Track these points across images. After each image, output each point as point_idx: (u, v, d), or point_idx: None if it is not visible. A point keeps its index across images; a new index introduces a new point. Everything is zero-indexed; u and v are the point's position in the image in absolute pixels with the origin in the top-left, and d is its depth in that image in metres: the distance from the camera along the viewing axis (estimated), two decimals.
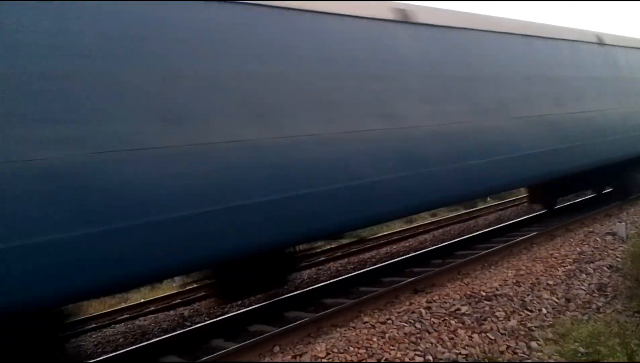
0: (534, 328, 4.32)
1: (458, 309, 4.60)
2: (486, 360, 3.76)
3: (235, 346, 4.40)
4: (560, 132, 7.65)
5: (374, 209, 5.11)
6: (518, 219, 10.25)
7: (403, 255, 8.31)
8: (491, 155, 6.38)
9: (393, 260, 7.81)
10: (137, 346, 5.30)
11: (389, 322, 4.43)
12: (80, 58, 3.42)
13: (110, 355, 5.16)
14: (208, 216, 3.82)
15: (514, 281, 5.30)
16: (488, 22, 7.07)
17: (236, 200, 4.00)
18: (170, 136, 3.73)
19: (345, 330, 4.41)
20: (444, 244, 8.60)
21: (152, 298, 8.57)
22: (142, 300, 8.54)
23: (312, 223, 4.60)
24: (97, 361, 4.98)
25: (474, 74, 6.50)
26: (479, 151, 6.22)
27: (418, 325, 4.29)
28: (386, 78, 5.43)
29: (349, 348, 3.88)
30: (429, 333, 4.16)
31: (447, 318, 4.42)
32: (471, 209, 14.31)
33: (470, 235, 9.11)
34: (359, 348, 3.88)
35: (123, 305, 8.59)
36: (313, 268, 8.85)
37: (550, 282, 5.29)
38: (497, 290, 5.05)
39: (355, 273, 7.32)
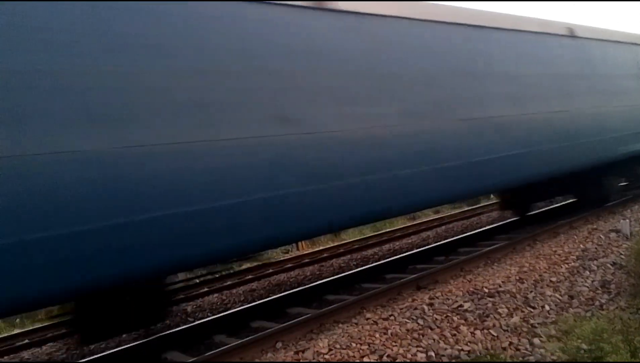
0: (536, 325, 4.31)
1: (461, 306, 4.59)
2: (488, 357, 3.75)
3: (238, 342, 4.41)
4: (518, 136, 6.76)
5: (265, 233, 4.25)
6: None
7: (406, 252, 8.31)
8: (428, 163, 5.51)
9: (396, 257, 7.80)
10: (140, 341, 5.32)
11: (392, 318, 4.43)
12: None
13: (114, 350, 5.18)
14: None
15: (517, 278, 5.29)
16: (429, 11, 6.09)
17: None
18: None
19: (347, 326, 4.42)
20: (446, 241, 8.59)
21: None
22: None
23: (184, 249, 3.79)
24: (95, 358, 5.00)
25: (406, 70, 5.57)
26: (412, 158, 5.37)
27: (420, 321, 4.28)
28: (286, 73, 4.54)
29: (351, 344, 3.89)
30: (431, 329, 4.16)
31: (449, 314, 4.42)
32: (474, 206, 14.27)
33: (473, 232, 9.09)
34: (361, 344, 3.88)
35: None
36: (316, 265, 8.85)
37: (554, 279, 5.28)
38: (500, 286, 5.04)
39: (357, 269, 7.32)
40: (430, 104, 5.69)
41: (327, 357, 3.73)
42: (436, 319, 4.33)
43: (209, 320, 5.68)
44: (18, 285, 3.11)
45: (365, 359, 3.67)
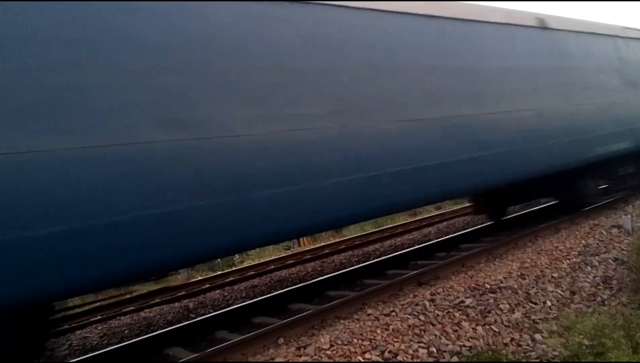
0: (538, 321, 4.31)
1: (462, 301, 4.59)
2: (490, 353, 3.76)
3: (240, 337, 4.42)
4: (475, 138, 6.00)
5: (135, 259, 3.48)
6: (524, 212, 10.22)
7: (407, 248, 8.32)
8: (364, 170, 4.80)
9: (397, 253, 7.81)
10: (142, 338, 5.34)
11: (393, 314, 4.43)
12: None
13: (115, 346, 5.20)
14: None
15: (519, 273, 5.29)
16: None
17: None
18: None
19: (349, 322, 4.42)
20: (448, 237, 8.59)
21: (158, 289, 8.62)
22: (147, 292, 8.58)
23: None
24: (96, 355, 5.02)
25: (336, 64, 4.81)
26: (343, 165, 4.65)
27: (422, 317, 4.29)
28: (179, 70, 3.77)
29: (352, 340, 3.89)
30: (432, 325, 4.16)
31: (451, 310, 4.42)
32: None
33: (475, 228, 9.09)
34: (362, 340, 3.88)
35: (128, 297, 8.65)
36: (317, 261, 8.86)
37: (555, 275, 5.28)
38: (502, 282, 5.04)
39: (359, 265, 7.33)
40: (366, 103, 4.96)
41: (328, 352, 3.73)
42: (437, 315, 4.33)
43: (210, 316, 5.69)
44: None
45: (366, 355, 3.67)
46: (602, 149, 8.03)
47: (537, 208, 10.55)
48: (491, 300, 4.62)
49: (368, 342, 3.84)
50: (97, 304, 7.22)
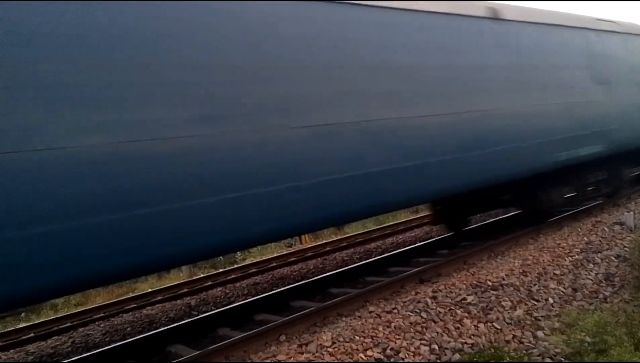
0: (540, 318, 4.31)
1: (464, 299, 4.59)
2: (492, 350, 3.76)
3: (242, 335, 4.42)
4: (398, 146, 5.07)
5: None
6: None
7: (409, 245, 8.31)
8: (244, 187, 3.90)
9: (399, 250, 7.80)
10: (144, 335, 5.35)
11: (395, 311, 4.43)
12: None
13: (118, 343, 5.21)
14: None
15: (521, 271, 5.28)
16: None
17: None
18: None
19: (351, 320, 4.42)
20: (450, 234, 8.58)
21: (160, 287, 8.65)
22: (150, 290, 8.60)
23: None
24: (98, 352, 5.04)
25: (209, 59, 3.85)
26: (215, 184, 3.76)
27: (424, 314, 4.29)
28: None
29: (354, 337, 3.89)
30: (434, 322, 4.16)
31: (453, 307, 4.42)
32: None
33: (476, 225, 9.08)
34: (364, 337, 3.89)
35: (131, 295, 8.68)
36: (319, 258, 8.87)
37: (557, 272, 5.27)
38: (504, 279, 5.04)
39: (361, 262, 7.33)
40: (251, 107, 4.04)
41: (330, 350, 3.74)
42: (439, 312, 4.33)
43: (212, 314, 5.70)
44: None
45: (368, 352, 3.68)
46: (565, 155, 7.12)
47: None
48: (493, 297, 4.62)
49: (370, 339, 3.85)
50: (100, 302, 7.25)
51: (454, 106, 5.69)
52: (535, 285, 4.94)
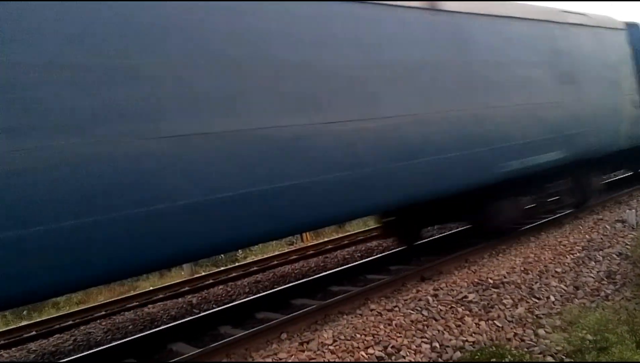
0: (541, 316, 4.31)
1: (465, 297, 4.59)
2: (493, 348, 3.75)
3: (243, 333, 4.43)
4: (313, 157, 4.37)
5: None
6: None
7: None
8: (80, 213, 3.13)
9: (400, 248, 7.80)
10: (146, 333, 5.36)
11: (396, 309, 4.43)
12: None
13: (120, 341, 5.22)
14: None
15: (522, 269, 5.28)
16: None
17: None
18: None
19: (352, 318, 4.42)
20: (451, 232, 8.58)
21: (161, 285, 8.65)
22: (151, 288, 8.61)
23: None
24: (99, 350, 5.04)
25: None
26: (54, 205, 3.05)
27: (425, 312, 4.29)
28: None
29: (355, 335, 3.89)
30: (435, 320, 4.16)
31: (454, 305, 4.42)
32: None
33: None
34: (365, 335, 3.89)
35: (132, 293, 8.69)
36: (320, 256, 8.87)
37: (559, 270, 5.26)
38: (505, 277, 5.03)
39: (362, 261, 7.33)
40: (112, 112, 3.31)
41: (331, 347, 3.74)
42: (441, 310, 4.33)
43: (214, 312, 5.70)
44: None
45: (369, 350, 3.68)
46: (518, 163, 6.31)
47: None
48: (494, 295, 4.61)
49: (371, 337, 3.85)
50: (102, 300, 7.26)
51: (376, 110, 4.92)
52: (536, 282, 4.94)
